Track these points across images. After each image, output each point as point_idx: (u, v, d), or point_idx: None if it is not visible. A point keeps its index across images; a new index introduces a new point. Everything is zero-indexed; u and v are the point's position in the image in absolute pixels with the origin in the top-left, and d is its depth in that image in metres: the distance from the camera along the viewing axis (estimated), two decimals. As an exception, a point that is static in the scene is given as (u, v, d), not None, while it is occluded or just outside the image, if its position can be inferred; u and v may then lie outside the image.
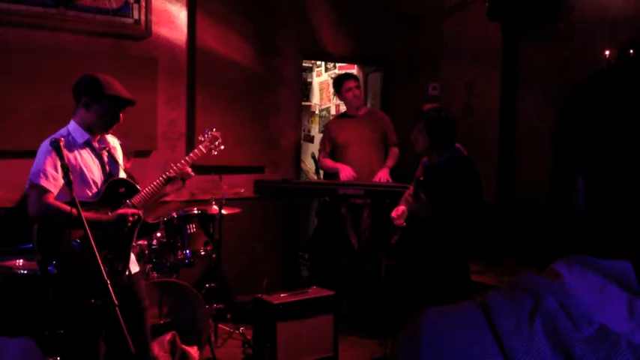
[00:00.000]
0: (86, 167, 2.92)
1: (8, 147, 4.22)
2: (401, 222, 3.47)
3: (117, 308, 2.45)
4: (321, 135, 7.51)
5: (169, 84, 4.95)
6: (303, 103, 6.51)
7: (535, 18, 5.01)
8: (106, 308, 2.52)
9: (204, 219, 4.19)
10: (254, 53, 5.28)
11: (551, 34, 4.96)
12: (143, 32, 4.73)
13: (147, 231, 3.22)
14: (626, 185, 0.63)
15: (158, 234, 3.89)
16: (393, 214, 3.53)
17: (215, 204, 4.25)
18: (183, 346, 3.82)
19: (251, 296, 4.17)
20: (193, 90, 5.04)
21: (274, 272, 5.22)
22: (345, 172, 4.95)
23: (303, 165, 6.76)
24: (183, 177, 3.22)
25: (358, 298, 5.02)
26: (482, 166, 4.06)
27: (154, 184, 3.11)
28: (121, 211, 2.93)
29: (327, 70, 7.61)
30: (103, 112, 2.94)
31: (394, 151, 5.16)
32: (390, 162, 5.09)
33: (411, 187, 3.46)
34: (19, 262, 3.64)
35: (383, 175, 4.95)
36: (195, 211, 4.16)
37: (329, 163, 5.16)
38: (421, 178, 3.37)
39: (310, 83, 7.93)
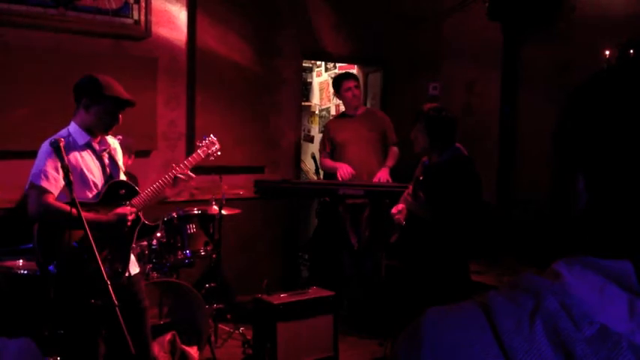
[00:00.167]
0: (87, 169, 2.92)
1: (8, 147, 4.22)
2: (400, 218, 3.46)
3: (117, 309, 2.46)
4: (321, 135, 7.52)
5: (169, 84, 4.95)
6: (303, 103, 6.51)
7: (535, 18, 5.01)
8: (106, 309, 2.52)
9: (204, 219, 4.19)
10: (254, 53, 5.28)
11: (552, 34, 4.96)
12: (143, 32, 4.73)
13: (146, 232, 3.22)
14: (626, 185, 0.63)
15: (158, 234, 3.89)
16: (394, 210, 3.53)
17: (215, 204, 4.25)
18: (183, 346, 3.82)
19: (251, 296, 4.17)
20: (193, 90, 5.04)
21: (274, 272, 5.22)
22: (343, 170, 4.95)
23: (303, 165, 6.76)
24: (182, 180, 3.23)
25: (358, 298, 5.02)
26: (483, 166, 4.06)
27: (153, 187, 3.12)
28: (119, 210, 2.94)
29: (327, 70, 7.61)
30: (103, 114, 2.94)
31: (394, 150, 5.16)
32: (390, 162, 5.08)
33: (411, 187, 3.46)
34: (19, 263, 3.63)
35: (382, 175, 4.95)
36: (195, 212, 4.16)
37: (328, 162, 5.17)
38: (420, 178, 3.37)
39: (310, 83, 7.93)
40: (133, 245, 3.11)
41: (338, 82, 5.25)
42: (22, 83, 4.24)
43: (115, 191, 3.01)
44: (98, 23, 4.53)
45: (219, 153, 3.57)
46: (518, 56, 5.30)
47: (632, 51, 3.92)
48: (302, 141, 6.44)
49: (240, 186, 4.93)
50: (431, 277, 3.38)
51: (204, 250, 4.14)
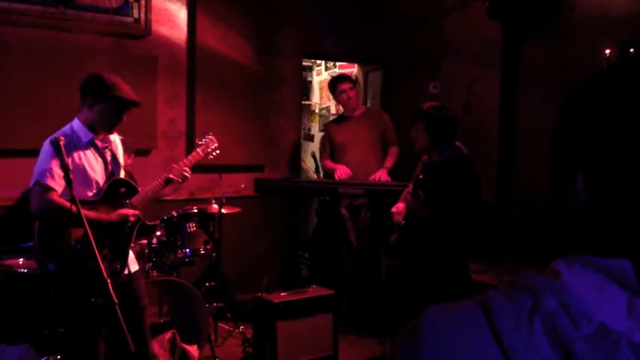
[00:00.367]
0: (90, 167, 2.93)
1: (8, 146, 4.22)
2: (400, 218, 3.46)
3: (117, 307, 2.46)
4: (321, 134, 7.52)
5: (169, 83, 4.95)
6: (303, 102, 6.51)
7: (535, 17, 5.01)
8: (106, 307, 2.53)
9: (204, 218, 4.20)
10: (254, 52, 5.28)
11: (552, 34, 4.96)
12: (143, 31, 4.72)
13: (145, 232, 3.24)
14: (625, 184, 0.63)
15: (158, 233, 3.89)
16: (393, 209, 3.53)
17: (215, 203, 4.25)
18: (183, 345, 3.82)
19: (251, 295, 4.17)
20: (193, 89, 5.04)
21: (274, 271, 5.22)
22: (340, 171, 4.96)
23: (303, 164, 6.76)
24: (181, 179, 3.24)
25: (358, 297, 5.03)
26: (483, 165, 4.06)
27: (153, 185, 3.14)
28: (122, 211, 2.96)
29: (327, 69, 7.62)
30: (106, 112, 2.94)
31: (393, 150, 5.16)
32: (389, 162, 5.08)
33: (411, 186, 3.46)
34: (19, 261, 3.64)
35: (381, 176, 4.95)
36: (195, 210, 4.16)
37: (328, 163, 5.18)
38: (420, 177, 3.37)
39: (310, 82, 7.93)
40: (132, 245, 3.12)
41: (333, 84, 5.24)
42: (21, 82, 4.24)
43: (115, 189, 3.02)
44: (98, 22, 4.53)
45: (218, 152, 3.59)
46: (518, 55, 5.30)
47: (632, 50, 3.92)
48: (302, 140, 6.44)
49: (240, 184, 4.94)
50: (431, 276, 3.38)
51: (204, 249, 4.14)
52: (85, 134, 2.95)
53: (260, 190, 4.97)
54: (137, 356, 2.62)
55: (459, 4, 5.73)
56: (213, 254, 4.27)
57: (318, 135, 7.69)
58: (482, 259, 4.81)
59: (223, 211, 4.24)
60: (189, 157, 3.39)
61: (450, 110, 3.49)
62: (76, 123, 2.97)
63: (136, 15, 4.68)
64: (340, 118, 5.42)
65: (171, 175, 3.20)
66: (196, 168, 3.45)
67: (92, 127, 2.96)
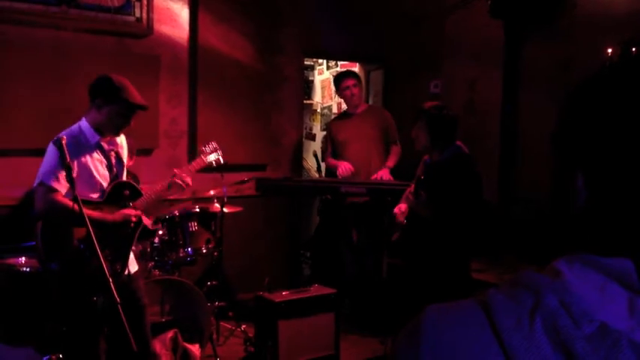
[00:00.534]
0: (95, 170, 2.95)
1: (10, 146, 4.22)
2: (402, 219, 3.47)
3: (119, 306, 2.47)
4: (322, 133, 7.53)
5: (171, 82, 4.95)
6: (304, 102, 6.51)
7: (537, 15, 5.00)
8: (108, 306, 2.54)
9: (206, 217, 4.20)
10: (256, 51, 5.28)
11: (554, 32, 4.95)
12: (145, 30, 4.73)
13: (146, 235, 3.27)
14: (625, 183, 0.63)
15: (160, 232, 3.90)
16: (396, 209, 3.53)
17: (217, 202, 4.26)
18: (185, 344, 3.82)
19: (253, 294, 4.18)
20: (195, 88, 5.04)
21: (276, 270, 5.22)
22: (343, 168, 4.96)
23: (304, 163, 6.76)
24: (184, 185, 3.26)
25: (360, 296, 5.03)
26: (484, 164, 4.06)
27: (156, 190, 3.17)
28: (125, 211, 2.98)
29: (328, 68, 7.61)
30: (114, 115, 2.96)
31: (395, 149, 5.15)
32: (391, 162, 5.08)
33: (412, 185, 3.46)
34: (21, 260, 3.65)
35: (383, 175, 4.95)
36: (197, 209, 4.17)
37: (331, 161, 5.19)
38: (422, 177, 3.37)
39: (312, 81, 7.93)
40: (133, 247, 3.13)
41: (337, 80, 5.25)
42: (23, 81, 4.24)
43: (119, 191, 3.04)
44: (100, 21, 4.53)
45: (221, 161, 3.62)
46: (520, 54, 5.29)
47: (634, 49, 3.91)
48: (304, 139, 6.44)
49: (242, 184, 4.94)
50: (432, 275, 3.38)
51: (206, 248, 4.14)
52: (92, 136, 2.96)
53: (262, 190, 4.97)
54: (138, 355, 2.62)
55: (460, 3, 5.72)
56: (215, 253, 4.27)
57: (319, 134, 7.69)
58: (484, 258, 4.81)
59: (225, 210, 4.24)
60: (193, 164, 3.42)
61: (450, 110, 3.49)
62: (83, 123, 2.98)
63: (137, 14, 4.68)
64: (342, 116, 5.42)
65: (175, 179, 3.22)
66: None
67: (99, 129, 2.98)
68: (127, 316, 2.51)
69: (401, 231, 3.51)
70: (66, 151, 2.67)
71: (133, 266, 3.13)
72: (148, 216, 3.19)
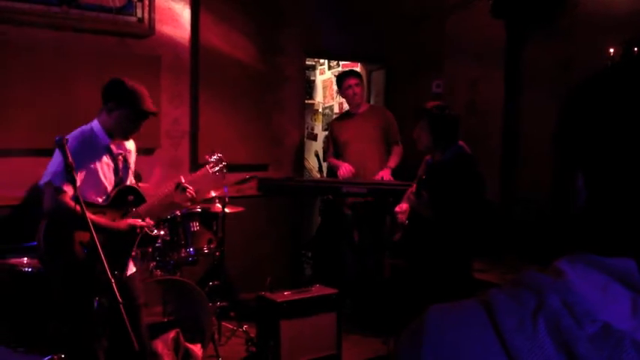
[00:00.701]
0: (102, 173, 2.96)
1: (11, 146, 4.23)
2: (404, 218, 3.47)
3: (121, 306, 2.47)
4: (324, 133, 7.53)
5: (173, 82, 4.95)
6: (306, 101, 6.51)
7: (539, 15, 5.00)
8: (110, 306, 2.54)
9: (208, 217, 4.20)
10: (257, 51, 5.28)
11: (555, 32, 4.95)
12: (146, 30, 4.73)
13: (146, 242, 3.28)
14: (625, 183, 0.63)
15: (162, 232, 3.90)
16: (397, 209, 3.53)
17: (218, 202, 4.26)
18: (187, 344, 3.83)
19: (254, 294, 4.18)
20: (197, 88, 5.04)
21: (277, 270, 5.22)
22: (344, 169, 4.96)
23: (306, 163, 6.76)
24: (189, 201, 3.29)
25: (361, 296, 5.02)
26: (486, 164, 4.05)
27: (160, 197, 3.17)
28: (131, 221, 2.99)
29: (330, 68, 7.61)
30: (124, 119, 2.96)
31: (397, 150, 5.15)
32: (392, 162, 5.07)
33: (414, 185, 3.46)
34: (23, 260, 3.65)
35: (384, 176, 4.94)
36: (199, 209, 4.17)
37: (333, 161, 5.19)
38: (423, 177, 3.36)
39: (313, 81, 7.93)
40: (133, 254, 3.15)
41: (340, 79, 5.26)
42: (24, 81, 4.24)
43: (123, 196, 3.05)
44: (101, 21, 4.53)
45: (225, 171, 3.64)
46: (522, 54, 5.29)
47: (636, 49, 3.91)
48: (305, 139, 6.44)
49: (243, 184, 4.93)
50: (434, 275, 3.38)
51: (208, 248, 4.15)
52: (103, 138, 2.97)
53: (263, 190, 4.97)
54: (138, 355, 2.63)
55: (461, 3, 5.72)
56: (217, 253, 4.27)
57: (321, 134, 7.69)
58: (486, 258, 4.80)
59: (227, 210, 4.25)
60: (198, 173, 3.43)
61: (452, 110, 3.49)
62: (95, 125, 2.99)
63: (139, 14, 4.68)
64: (344, 115, 5.43)
65: (182, 184, 3.21)
66: (200, 167, 3.47)
67: (109, 132, 2.98)
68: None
69: (403, 231, 3.51)
70: (68, 152, 2.68)
71: (130, 268, 3.15)
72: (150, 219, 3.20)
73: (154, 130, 4.82)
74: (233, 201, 4.43)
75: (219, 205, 4.23)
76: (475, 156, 3.50)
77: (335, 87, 7.50)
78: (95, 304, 2.81)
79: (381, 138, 5.15)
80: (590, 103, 0.68)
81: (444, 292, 3.19)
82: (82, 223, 2.56)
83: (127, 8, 4.63)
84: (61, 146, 2.69)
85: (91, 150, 2.90)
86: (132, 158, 3.20)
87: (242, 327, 4.42)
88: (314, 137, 7.82)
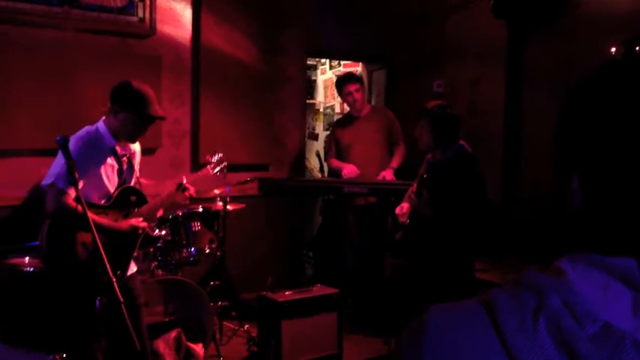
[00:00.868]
0: (106, 175, 2.96)
1: (13, 146, 4.23)
2: (404, 219, 3.46)
3: (122, 306, 2.47)
4: (325, 133, 7.52)
5: (174, 82, 4.95)
6: (307, 101, 6.51)
7: (540, 15, 4.99)
8: (110, 306, 2.55)
9: (209, 217, 4.20)
10: (258, 51, 5.28)
11: (557, 32, 4.94)
12: (148, 30, 4.73)
13: (148, 243, 3.28)
14: (623, 184, 0.62)
15: (163, 232, 3.90)
16: (397, 210, 3.53)
17: (220, 201, 4.26)
18: (189, 344, 3.83)
19: (256, 294, 4.18)
20: (198, 88, 5.04)
21: (279, 270, 5.22)
22: (348, 170, 4.96)
23: (307, 163, 6.76)
24: (189, 200, 3.30)
25: (362, 296, 5.02)
26: (487, 164, 4.05)
27: (162, 198, 3.18)
28: (133, 222, 2.99)
29: (331, 67, 7.61)
30: (129, 123, 2.96)
31: (400, 150, 5.14)
32: (395, 162, 5.07)
33: (415, 185, 3.46)
34: (25, 260, 3.65)
35: (386, 176, 4.94)
36: (200, 209, 4.17)
37: (335, 163, 5.17)
38: (424, 176, 3.36)
39: (315, 81, 7.93)
40: (135, 254, 3.15)
41: (339, 85, 5.20)
42: (26, 82, 4.25)
43: (126, 197, 3.06)
44: (103, 21, 4.53)
45: (225, 170, 3.65)
46: (523, 54, 5.28)
47: (638, 48, 3.91)
48: (306, 139, 6.44)
49: (244, 184, 4.94)
50: (435, 275, 3.38)
51: (209, 248, 4.15)
52: (109, 139, 2.97)
53: (264, 190, 4.97)
54: (138, 355, 2.64)
55: (462, 3, 5.71)
56: (218, 253, 4.27)
57: (322, 134, 7.69)
58: (487, 258, 4.80)
59: (228, 207, 4.25)
60: (199, 173, 3.46)
61: (454, 109, 3.48)
62: (101, 126, 2.99)
63: (140, 14, 4.68)
64: (346, 118, 5.41)
65: (184, 184, 3.23)
66: (201, 167, 3.48)
67: (115, 134, 2.98)
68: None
69: (404, 231, 3.51)
70: (70, 152, 2.68)
71: (131, 268, 3.15)
72: (151, 222, 3.21)
73: (156, 129, 4.80)
74: (234, 201, 4.43)
75: (220, 204, 4.23)
76: (476, 155, 3.50)
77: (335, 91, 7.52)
78: (97, 305, 2.82)
79: (384, 140, 5.14)
80: (581, 105, 0.68)
81: (444, 292, 3.19)
82: (84, 223, 2.57)
83: (128, 8, 4.63)
84: (63, 146, 2.69)
85: (95, 151, 2.90)
86: (136, 159, 3.20)
87: (243, 327, 4.42)
88: (315, 137, 7.82)
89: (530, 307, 0.62)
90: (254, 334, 4.18)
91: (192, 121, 5.07)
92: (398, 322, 3.99)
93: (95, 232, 2.51)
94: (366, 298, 4.99)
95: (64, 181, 2.78)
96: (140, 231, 3.03)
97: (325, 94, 7.84)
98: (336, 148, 5.23)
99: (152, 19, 4.73)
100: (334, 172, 5.26)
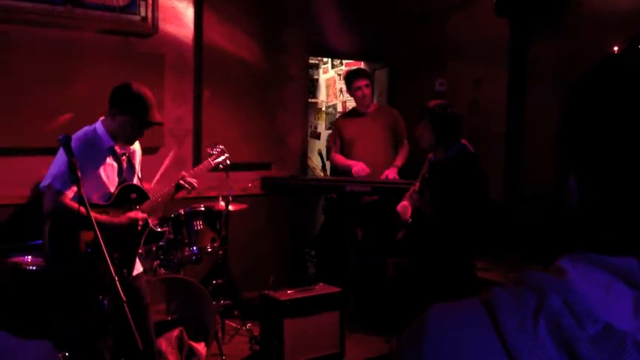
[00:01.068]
0: (105, 174, 2.96)
1: (17, 144, 4.24)
2: (406, 218, 3.46)
3: (125, 304, 2.47)
4: (327, 132, 7.52)
5: (176, 81, 4.96)
6: (309, 100, 6.51)
7: (543, 13, 4.99)
8: (114, 305, 2.55)
9: (211, 215, 4.21)
10: (260, 50, 5.28)
11: (559, 30, 4.93)
12: (150, 29, 4.73)
13: (153, 238, 3.28)
14: (622, 183, 0.62)
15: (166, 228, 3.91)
16: (399, 208, 3.53)
17: (222, 200, 4.26)
18: (191, 342, 3.83)
19: (258, 293, 4.18)
20: (200, 87, 5.04)
21: (281, 269, 5.22)
22: (358, 168, 4.94)
23: (309, 162, 6.76)
24: (190, 187, 3.28)
25: (365, 294, 5.02)
26: (489, 162, 4.05)
27: (163, 193, 3.19)
28: (131, 214, 2.99)
29: (333, 66, 7.60)
30: (126, 126, 2.96)
31: (404, 149, 5.14)
32: (399, 161, 5.07)
33: (417, 184, 3.46)
34: (27, 259, 3.66)
35: (390, 174, 4.94)
36: (202, 208, 4.17)
37: (341, 160, 5.14)
38: (426, 175, 3.36)
39: (317, 80, 7.92)
40: (140, 251, 3.15)
41: (349, 79, 5.20)
42: (29, 80, 4.26)
43: (126, 194, 3.05)
44: (105, 20, 4.54)
45: (228, 162, 3.65)
46: (525, 52, 5.28)
47: (640, 47, 3.89)
48: (309, 138, 6.44)
49: (246, 182, 4.94)
50: (437, 274, 3.38)
51: (211, 247, 4.15)
52: (107, 140, 2.97)
53: (267, 188, 4.98)
54: (143, 353, 2.64)
55: (464, 1, 5.70)
56: (220, 252, 4.28)
57: (324, 133, 7.68)
58: (489, 257, 4.80)
59: (230, 208, 4.25)
60: (201, 166, 3.45)
61: (455, 108, 3.48)
62: (99, 127, 2.99)
63: (143, 13, 4.69)
64: (352, 113, 5.39)
65: (181, 182, 3.24)
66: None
67: (113, 136, 2.98)
68: (131, 315, 2.53)
69: (405, 230, 3.51)
70: (72, 150, 2.68)
71: (137, 268, 3.15)
72: (154, 219, 3.21)
73: (158, 128, 4.81)
74: (236, 199, 4.43)
75: (222, 204, 4.23)
76: (478, 154, 3.50)
77: (338, 85, 7.51)
78: (104, 304, 2.82)
79: (389, 137, 5.14)
80: (581, 101, 0.67)
81: (446, 291, 3.19)
82: (83, 222, 2.57)
83: (131, 7, 4.63)
84: (65, 145, 2.69)
85: (93, 151, 2.90)
86: (137, 159, 3.20)
87: (246, 325, 4.43)
88: (317, 136, 7.82)
89: (531, 307, 0.61)
90: (256, 333, 4.18)
91: (195, 119, 5.07)
92: (400, 321, 3.98)
93: (97, 230, 2.51)
94: (368, 297, 4.98)
95: (61, 182, 2.79)
96: (141, 222, 3.01)
97: (327, 93, 7.84)
98: (340, 143, 5.21)
99: (154, 18, 4.73)
100: (337, 168, 5.24)
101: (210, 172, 3.61)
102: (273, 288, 4.03)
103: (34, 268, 3.56)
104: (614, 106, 0.63)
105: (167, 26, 4.86)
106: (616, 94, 0.63)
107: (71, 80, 4.37)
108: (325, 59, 7.60)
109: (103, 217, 2.84)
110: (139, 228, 3.04)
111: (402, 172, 4.99)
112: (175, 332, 3.78)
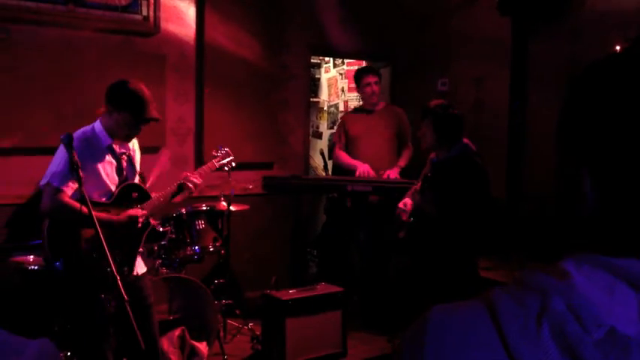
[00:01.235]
0: (105, 173, 2.96)
1: (18, 144, 4.24)
2: (406, 216, 3.46)
3: (127, 303, 2.47)
4: (329, 131, 7.52)
5: (178, 80, 4.96)
6: (311, 100, 6.50)
7: (545, 12, 4.97)
8: (116, 304, 2.55)
9: (213, 215, 4.20)
10: (262, 49, 5.27)
11: (562, 29, 4.92)
12: (152, 29, 4.73)
13: (155, 238, 3.27)
14: (637, 182, 0.59)
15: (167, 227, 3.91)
16: (400, 205, 3.53)
17: (224, 200, 4.26)
18: (193, 342, 3.83)
19: (260, 292, 4.18)
20: (202, 86, 5.04)
21: (283, 268, 5.22)
22: (362, 169, 4.93)
23: (311, 161, 6.75)
24: (193, 187, 3.27)
25: (367, 294, 5.02)
26: (492, 162, 4.04)
27: (165, 193, 3.18)
28: (131, 212, 2.98)
29: (335, 66, 7.60)
30: (122, 123, 2.96)
31: (408, 150, 5.13)
32: (403, 161, 5.06)
33: (419, 183, 3.46)
34: (29, 258, 3.66)
35: (392, 174, 4.93)
36: (204, 207, 4.17)
37: (346, 158, 5.11)
38: (428, 175, 3.36)
39: (318, 79, 7.91)
40: (140, 250, 3.14)
41: (359, 75, 5.20)
42: (31, 80, 4.26)
43: (127, 193, 3.05)
44: (107, 20, 4.54)
45: (233, 164, 3.65)
46: (528, 51, 5.26)
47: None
48: (310, 137, 6.43)
49: (248, 182, 4.94)
50: (439, 273, 3.38)
51: (213, 246, 4.15)
52: (105, 138, 2.97)
53: (269, 188, 4.97)
54: (147, 353, 2.63)
55: (466, 1, 5.69)
56: (222, 251, 4.28)
57: (326, 132, 7.68)
58: (493, 256, 4.79)
59: (232, 208, 4.25)
60: (205, 167, 3.44)
61: (456, 108, 3.48)
62: (97, 125, 2.99)
63: (144, 13, 4.69)
64: (360, 111, 5.39)
65: (183, 181, 3.23)
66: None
67: (111, 134, 2.98)
68: (134, 315, 2.52)
69: (407, 229, 3.51)
70: (74, 149, 2.68)
71: (140, 268, 3.14)
72: (155, 218, 3.20)
73: (159, 127, 4.82)
74: (238, 199, 4.43)
75: (224, 203, 4.23)
76: (480, 153, 3.49)
77: (339, 85, 7.51)
78: (109, 304, 2.82)
79: (394, 138, 5.13)
80: (594, 91, 0.62)
81: (449, 291, 3.19)
82: (82, 220, 2.57)
83: (133, 7, 4.63)
84: (68, 144, 2.69)
85: (91, 150, 2.90)
86: (137, 157, 3.20)
87: (247, 325, 4.42)
88: (319, 135, 7.81)
89: (534, 309, 0.60)
90: (258, 333, 4.18)
91: (197, 118, 5.07)
92: (402, 320, 3.99)
93: (98, 228, 2.51)
94: (371, 296, 4.98)
95: (60, 180, 2.79)
96: (141, 219, 3.00)
97: (329, 93, 7.83)
98: (345, 139, 5.20)
99: (156, 18, 4.73)
100: (341, 167, 5.22)
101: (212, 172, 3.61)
102: (275, 287, 4.03)
103: (36, 267, 3.56)
104: (634, 93, 0.59)
105: (169, 26, 4.86)
106: (635, 78, 0.59)
107: (72, 80, 4.37)
108: (327, 59, 7.59)
109: (102, 215, 2.84)
110: (139, 226, 3.02)
111: (404, 172, 4.99)
112: (177, 332, 3.78)
